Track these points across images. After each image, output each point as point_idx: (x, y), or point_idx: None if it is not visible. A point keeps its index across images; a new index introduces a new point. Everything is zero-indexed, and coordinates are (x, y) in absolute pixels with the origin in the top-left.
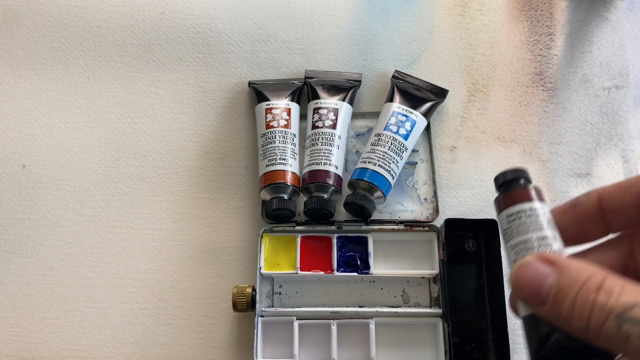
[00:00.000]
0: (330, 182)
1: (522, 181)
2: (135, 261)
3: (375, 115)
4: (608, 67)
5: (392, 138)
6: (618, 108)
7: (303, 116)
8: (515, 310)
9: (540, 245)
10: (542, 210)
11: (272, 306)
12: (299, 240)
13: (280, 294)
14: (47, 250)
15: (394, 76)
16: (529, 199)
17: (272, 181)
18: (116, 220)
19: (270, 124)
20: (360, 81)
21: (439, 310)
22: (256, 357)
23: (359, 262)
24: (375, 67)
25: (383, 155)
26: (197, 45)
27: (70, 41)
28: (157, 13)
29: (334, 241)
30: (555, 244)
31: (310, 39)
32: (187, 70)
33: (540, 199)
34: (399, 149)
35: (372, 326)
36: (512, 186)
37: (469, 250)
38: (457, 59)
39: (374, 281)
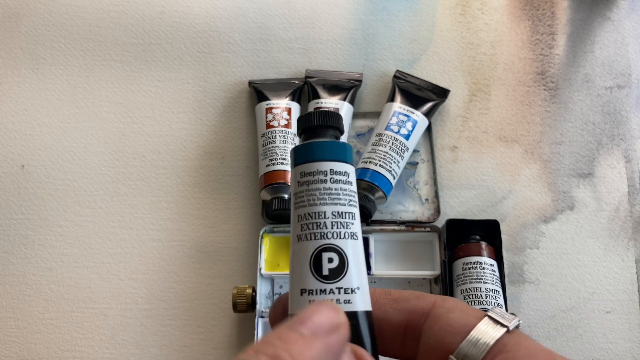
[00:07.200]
0: None
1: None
2: (135, 262)
3: (376, 115)
4: (610, 67)
5: (393, 138)
6: (620, 108)
7: None
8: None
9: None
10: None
11: None
12: None
13: (280, 294)
14: (46, 250)
15: (395, 76)
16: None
17: (272, 181)
18: (115, 221)
19: (271, 123)
20: (361, 81)
21: None
22: None
23: None
24: (376, 67)
25: (384, 155)
26: (197, 44)
27: (69, 40)
28: (156, 12)
29: None
30: None
31: (311, 39)
32: (187, 69)
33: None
34: (400, 149)
35: None
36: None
37: None
38: (458, 59)
39: (375, 282)
